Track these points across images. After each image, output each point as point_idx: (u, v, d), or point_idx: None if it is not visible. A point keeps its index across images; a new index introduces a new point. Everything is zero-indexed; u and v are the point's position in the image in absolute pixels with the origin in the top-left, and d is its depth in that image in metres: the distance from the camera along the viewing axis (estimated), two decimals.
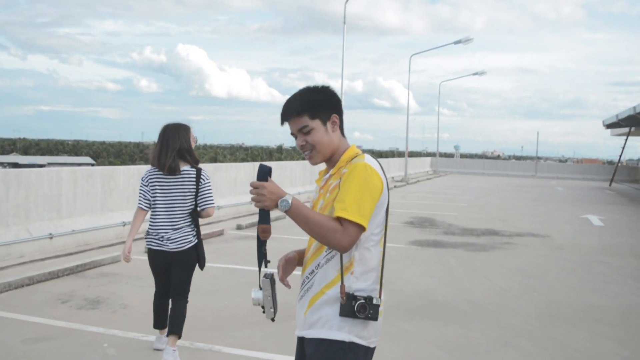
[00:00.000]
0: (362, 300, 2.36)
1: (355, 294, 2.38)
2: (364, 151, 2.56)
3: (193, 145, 5.03)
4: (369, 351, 2.46)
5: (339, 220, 2.31)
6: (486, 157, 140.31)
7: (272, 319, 2.54)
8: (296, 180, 19.02)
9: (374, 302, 2.38)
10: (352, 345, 2.40)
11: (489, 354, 5.47)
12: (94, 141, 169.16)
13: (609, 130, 43.90)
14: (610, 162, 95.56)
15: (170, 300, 5.08)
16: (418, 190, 26.78)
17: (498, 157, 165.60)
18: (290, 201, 2.28)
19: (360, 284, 2.41)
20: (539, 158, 67.04)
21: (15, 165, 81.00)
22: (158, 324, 5.20)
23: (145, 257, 9.07)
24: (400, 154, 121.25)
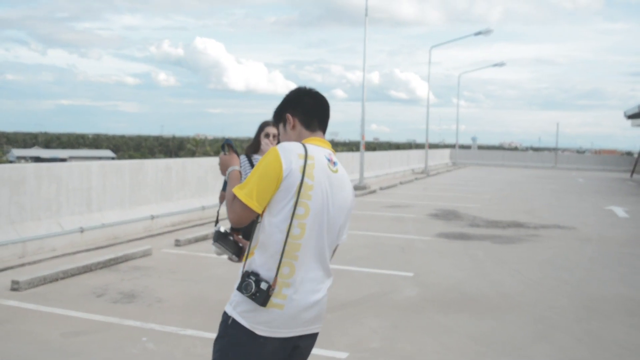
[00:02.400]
0: (252, 279, 2.41)
1: (256, 273, 2.44)
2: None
3: (268, 138, 5.43)
4: (255, 337, 2.43)
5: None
6: (503, 149, 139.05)
7: (237, 261, 2.77)
8: None
9: (261, 286, 2.39)
10: (234, 322, 2.45)
11: (527, 347, 5.45)
12: (114, 135, 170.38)
13: (628, 121, 43.31)
14: (629, 153, 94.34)
15: None
16: (439, 182, 26.69)
17: (515, 149, 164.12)
18: (228, 172, 2.71)
19: (257, 267, 2.46)
20: (556, 149, 66.44)
21: (37, 159, 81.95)
22: None
23: (176, 251, 9.19)
24: (418, 146, 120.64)
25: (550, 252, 10.17)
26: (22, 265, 7.81)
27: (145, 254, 8.68)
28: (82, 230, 9.19)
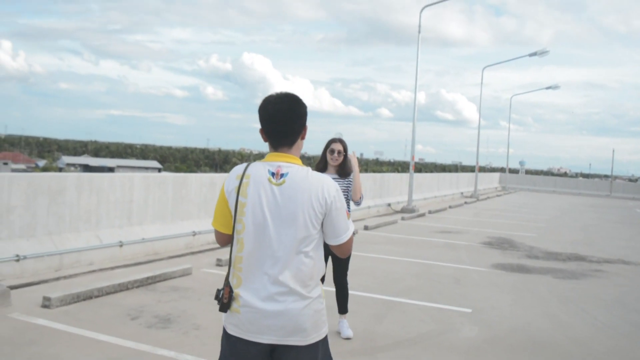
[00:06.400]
0: (219, 289, 2.67)
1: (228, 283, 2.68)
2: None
3: (333, 155, 5.28)
4: (228, 336, 2.65)
5: None
6: (552, 174, 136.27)
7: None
8: (365, 193, 18.43)
9: (220, 295, 2.64)
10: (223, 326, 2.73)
11: None
12: (161, 146, 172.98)
13: None
14: None
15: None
16: (489, 207, 25.76)
17: (565, 174, 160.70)
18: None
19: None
20: (607, 177, 64.37)
21: (86, 166, 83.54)
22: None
23: (216, 271, 8.72)
24: (464, 168, 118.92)
25: (617, 290, 9.36)
26: (57, 279, 7.44)
27: (185, 273, 8.22)
28: (121, 245, 8.80)
